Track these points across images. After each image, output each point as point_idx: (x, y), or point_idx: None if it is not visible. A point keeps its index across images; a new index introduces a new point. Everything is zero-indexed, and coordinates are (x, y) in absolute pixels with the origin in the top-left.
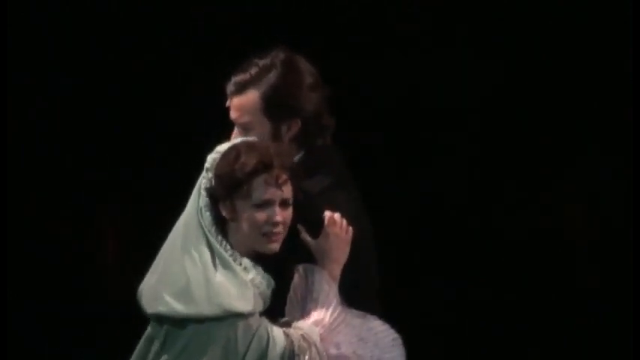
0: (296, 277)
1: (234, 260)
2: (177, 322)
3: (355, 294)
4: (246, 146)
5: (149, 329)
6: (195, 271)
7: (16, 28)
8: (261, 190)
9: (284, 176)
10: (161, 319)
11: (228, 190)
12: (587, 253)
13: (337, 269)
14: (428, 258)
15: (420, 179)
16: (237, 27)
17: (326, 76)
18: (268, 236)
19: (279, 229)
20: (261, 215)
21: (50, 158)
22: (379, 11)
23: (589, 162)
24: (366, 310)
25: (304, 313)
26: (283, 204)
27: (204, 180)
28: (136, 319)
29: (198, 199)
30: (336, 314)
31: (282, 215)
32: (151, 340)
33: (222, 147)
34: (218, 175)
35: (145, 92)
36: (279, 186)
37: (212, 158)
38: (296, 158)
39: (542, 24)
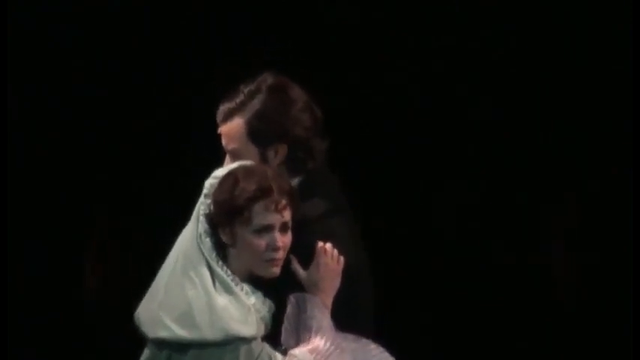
0: (289, 307)
1: (236, 285)
2: (179, 347)
3: (350, 322)
4: (244, 172)
5: (148, 353)
6: (197, 295)
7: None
8: (261, 216)
9: (283, 201)
10: (162, 343)
11: (228, 217)
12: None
13: (328, 299)
14: (420, 286)
15: (413, 211)
16: (236, 38)
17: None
18: (270, 262)
19: (280, 254)
20: (261, 241)
21: (41, 166)
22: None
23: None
24: (364, 333)
25: (298, 341)
26: (283, 228)
27: (202, 206)
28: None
29: (197, 224)
30: (330, 341)
31: (283, 240)
32: None
33: (220, 172)
34: (217, 202)
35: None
36: (279, 211)
37: (210, 184)
38: (292, 183)
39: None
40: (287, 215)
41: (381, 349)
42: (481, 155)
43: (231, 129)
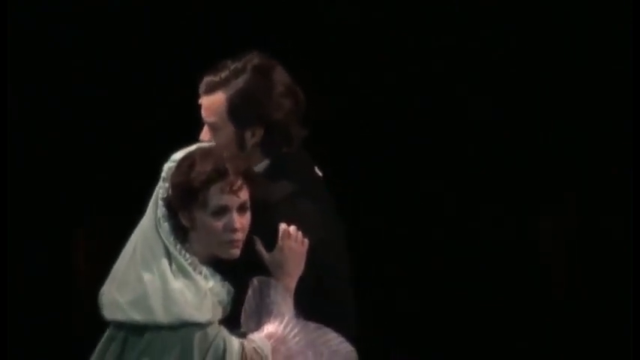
0: (250, 290)
1: (194, 269)
2: (135, 329)
3: (316, 307)
4: (200, 154)
5: (109, 331)
6: (153, 279)
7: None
8: (217, 198)
9: (239, 182)
10: (120, 326)
11: (185, 200)
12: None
13: (291, 282)
14: (420, 286)
15: (413, 211)
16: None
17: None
18: (229, 243)
19: (239, 235)
20: (219, 223)
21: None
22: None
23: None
24: (334, 320)
25: (258, 326)
26: (241, 209)
27: (160, 190)
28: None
29: (156, 209)
30: (289, 327)
31: (241, 221)
32: (111, 341)
33: (177, 155)
34: (174, 185)
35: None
36: (234, 192)
37: (168, 167)
38: (261, 166)
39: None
40: (244, 196)
41: (341, 339)
42: (481, 155)
43: (213, 103)
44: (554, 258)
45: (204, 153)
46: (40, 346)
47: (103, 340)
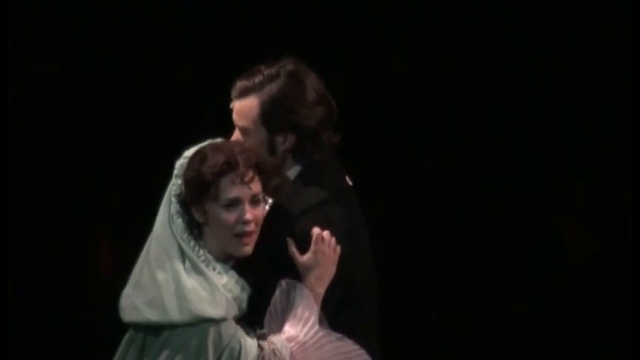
0: (278, 291)
1: (207, 265)
2: (152, 330)
3: (343, 313)
4: (212, 148)
5: (128, 333)
6: (166, 278)
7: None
8: (228, 190)
9: (250, 174)
10: (138, 327)
11: (198, 194)
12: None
13: (321, 287)
14: (421, 286)
15: (418, 189)
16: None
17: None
18: (241, 237)
19: (251, 227)
20: (231, 215)
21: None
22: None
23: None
24: (355, 329)
25: (281, 328)
26: (253, 201)
27: (173, 187)
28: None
29: (169, 206)
30: (311, 333)
31: (253, 213)
32: (131, 343)
33: (189, 152)
34: (186, 181)
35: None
36: (245, 184)
37: (180, 164)
38: (292, 172)
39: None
40: (256, 188)
41: (361, 351)
42: (481, 155)
43: (244, 107)
44: (555, 258)
45: (215, 147)
46: (40, 346)
47: (123, 342)
